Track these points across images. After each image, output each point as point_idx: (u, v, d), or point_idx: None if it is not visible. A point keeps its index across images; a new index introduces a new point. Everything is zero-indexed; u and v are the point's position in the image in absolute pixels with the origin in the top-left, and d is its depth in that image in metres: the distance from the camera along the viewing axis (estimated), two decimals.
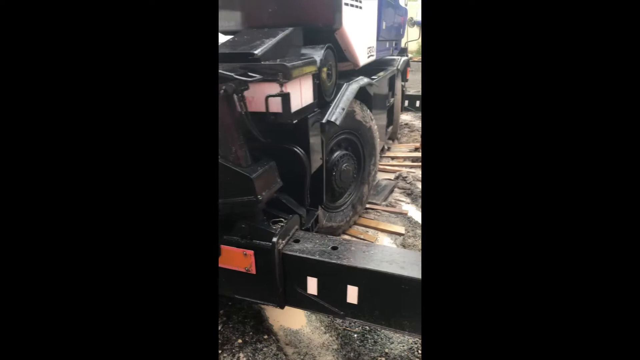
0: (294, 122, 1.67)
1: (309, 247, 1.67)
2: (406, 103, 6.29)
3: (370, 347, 1.83)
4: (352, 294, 1.61)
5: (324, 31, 2.16)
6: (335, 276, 1.59)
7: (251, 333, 1.89)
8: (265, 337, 1.87)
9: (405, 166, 4.35)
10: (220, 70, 1.47)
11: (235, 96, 1.50)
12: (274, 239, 1.59)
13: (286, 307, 2.06)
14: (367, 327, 1.95)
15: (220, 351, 1.78)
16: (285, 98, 1.58)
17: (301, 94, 1.75)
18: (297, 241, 1.71)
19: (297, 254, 1.62)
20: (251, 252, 1.65)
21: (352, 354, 1.80)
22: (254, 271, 1.69)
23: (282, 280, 1.68)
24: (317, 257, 1.59)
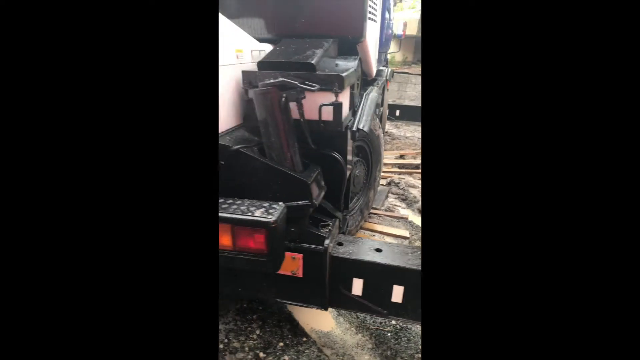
0: (343, 129, 1.74)
1: (354, 249, 1.73)
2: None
3: (405, 345, 1.92)
4: (398, 294, 1.69)
5: (349, 43, 2.26)
6: (383, 277, 1.67)
7: (290, 336, 1.92)
8: (304, 339, 1.91)
9: (395, 172, 4.52)
10: (283, 78, 1.52)
11: (294, 104, 1.55)
12: (326, 242, 1.64)
13: (313, 310, 2.12)
14: (398, 325, 2.04)
15: (264, 355, 1.79)
16: (338, 107, 1.65)
17: (344, 103, 1.82)
18: (340, 244, 1.77)
19: (346, 256, 1.68)
20: (300, 255, 1.69)
21: (388, 352, 1.88)
22: (300, 274, 1.73)
23: (328, 282, 1.73)
24: (365, 259, 1.67)
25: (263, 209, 1.36)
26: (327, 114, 1.68)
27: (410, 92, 7.73)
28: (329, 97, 1.66)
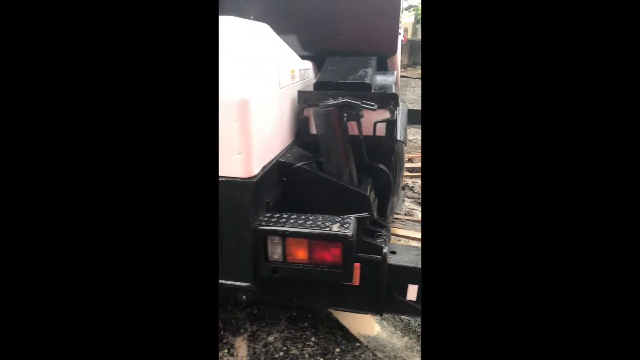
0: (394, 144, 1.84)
1: (408, 257, 1.83)
2: None
3: None
4: None
5: (381, 57, 2.36)
6: None
7: (344, 342, 2.00)
8: (358, 344, 2.00)
9: (407, 176, 4.64)
10: (346, 99, 1.61)
11: (354, 122, 1.65)
12: (384, 251, 1.73)
13: (357, 316, 2.21)
14: None
15: None
16: (392, 123, 1.75)
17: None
18: (393, 252, 1.87)
19: (402, 263, 1.78)
20: (357, 264, 1.77)
21: None
22: (357, 282, 1.81)
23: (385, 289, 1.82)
24: (421, 266, 1.76)
25: (338, 224, 1.45)
26: (380, 130, 1.78)
27: (410, 96, 7.88)
28: (382, 114, 1.76)
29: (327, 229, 1.42)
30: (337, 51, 2.20)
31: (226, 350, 1.93)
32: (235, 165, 1.32)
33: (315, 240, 1.43)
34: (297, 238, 1.44)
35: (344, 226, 1.43)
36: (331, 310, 2.26)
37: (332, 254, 1.44)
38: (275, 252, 1.48)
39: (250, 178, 1.35)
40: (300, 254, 1.47)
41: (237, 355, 1.91)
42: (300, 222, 1.47)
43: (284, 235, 1.43)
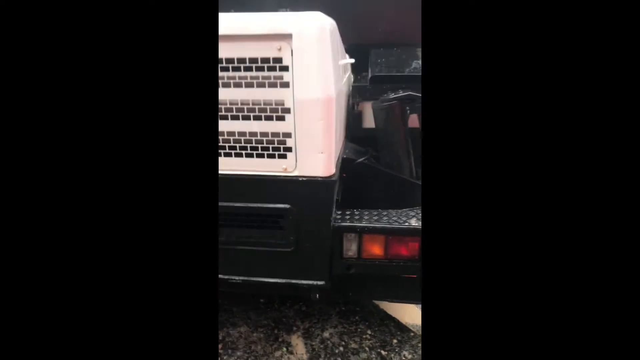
0: None
1: None
2: None
3: None
4: None
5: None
6: None
7: (399, 332, 2.03)
8: (412, 334, 2.02)
9: None
10: (410, 92, 1.60)
11: (415, 115, 1.64)
12: None
13: (402, 306, 2.24)
14: None
15: (386, 352, 1.89)
16: None
17: None
18: None
19: None
20: None
21: None
22: (414, 275, 1.83)
23: None
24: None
25: (415, 218, 1.45)
26: None
27: None
28: None
29: (406, 223, 1.42)
30: (374, 44, 2.19)
31: (284, 349, 1.93)
32: (317, 164, 1.31)
33: (392, 235, 1.43)
34: (374, 234, 1.44)
35: (419, 220, 1.44)
36: (377, 302, 2.29)
37: (409, 248, 1.45)
38: (351, 248, 1.47)
39: (330, 176, 1.34)
40: (376, 249, 1.47)
41: (296, 353, 1.91)
42: (375, 217, 1.47)
43: (361, 231, 1.43)
